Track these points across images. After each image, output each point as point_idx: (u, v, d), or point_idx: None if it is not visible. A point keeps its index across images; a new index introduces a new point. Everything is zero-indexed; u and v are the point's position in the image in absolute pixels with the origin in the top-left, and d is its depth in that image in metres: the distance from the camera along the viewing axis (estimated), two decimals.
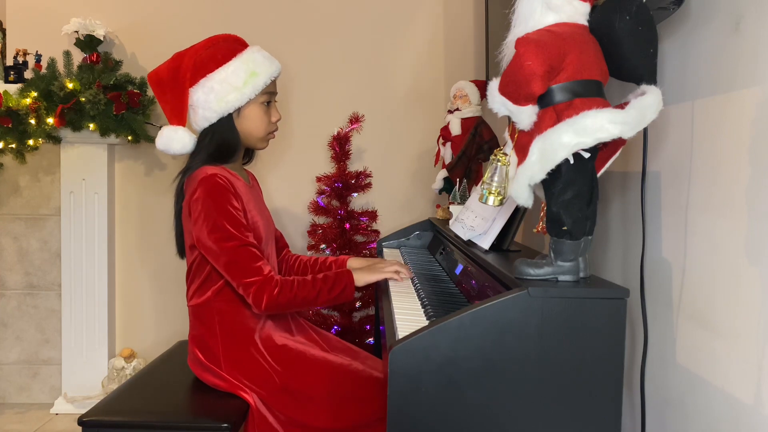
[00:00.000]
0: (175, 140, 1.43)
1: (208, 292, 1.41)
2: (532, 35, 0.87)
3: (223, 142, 1.44)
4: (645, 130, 0.91)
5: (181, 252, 1.50)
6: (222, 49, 1.43)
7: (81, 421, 1.29)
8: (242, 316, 1.41)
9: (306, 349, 1.42)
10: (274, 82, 1.50)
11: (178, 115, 1.43)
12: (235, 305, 1.41)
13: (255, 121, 1.46)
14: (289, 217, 2.53)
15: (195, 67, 1.41)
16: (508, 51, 0.93)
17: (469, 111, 1.98)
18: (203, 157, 1.43)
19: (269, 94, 1.48)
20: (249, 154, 1.61)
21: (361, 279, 1.43)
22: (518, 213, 1.35)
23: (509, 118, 0.92)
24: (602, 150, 0.95)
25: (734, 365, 0.89)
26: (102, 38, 2.36)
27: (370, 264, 1.53)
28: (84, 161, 2.40)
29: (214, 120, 1.42)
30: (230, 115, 1.43)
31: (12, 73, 2.34)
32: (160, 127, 1.45)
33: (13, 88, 2.26)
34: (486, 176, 0.99)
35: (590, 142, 0.84)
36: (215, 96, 1.39)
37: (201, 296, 1.42)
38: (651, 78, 0.90)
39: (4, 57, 2.48)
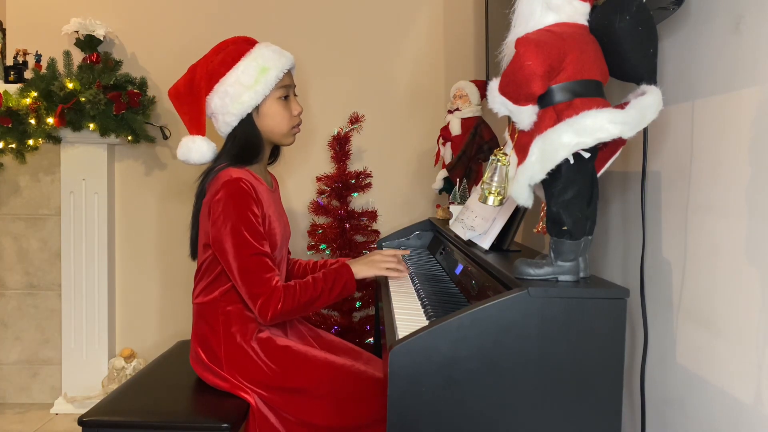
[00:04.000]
0: (194, 150, 1.43)
1: (215, 292, 1.42)
2: (532, 35, 0.87)
3: (245, 144, 1.44)
4: (645, 130, 0.91)
5: (194, 253, 1.50)
6: (231, 52, 1.43)
7: (81, 421, 1.29)
8: (246, 317, 1.41)
9: (308, 350, 1.43)
10: (289, 75, 1.48)
11: (196, 125, 1.43)
12: (241, 307, 1.41)
13: (275, 117, 1.45)
14: (290, 217, 2.52)
15: (208, 75, 1.41)
16: (508, 51, 0.93)
17: (469, 111, 1.98)
18: (227, 159, 1.43)
19: (285, 88, 1.46)
20: (274, 154, 1.60)
21: (360, 272, 1.44)
22: (518, 213, 1.35)
23: (509, 118, 0.92)
24: (602, 150, 0.95)
25: (734, 365, 0.89)
26: (102, 38, 2.36)
27: (369, 258, 1.51)
28: (84, 161, 2.40)
29: (235, 123, 1.42)
30: (250, 115, 1.43)
31: (12, 73, 2.34)
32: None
33: (13, 88, 2.26)
34: (486, 176, 0.99)
35: (590, 142, 0.84)
36: (230, 99, 1.39)
37: (208, 295, 1.43)
38: (651, 78, 0.90)
39: (4, 57, 2.48)
